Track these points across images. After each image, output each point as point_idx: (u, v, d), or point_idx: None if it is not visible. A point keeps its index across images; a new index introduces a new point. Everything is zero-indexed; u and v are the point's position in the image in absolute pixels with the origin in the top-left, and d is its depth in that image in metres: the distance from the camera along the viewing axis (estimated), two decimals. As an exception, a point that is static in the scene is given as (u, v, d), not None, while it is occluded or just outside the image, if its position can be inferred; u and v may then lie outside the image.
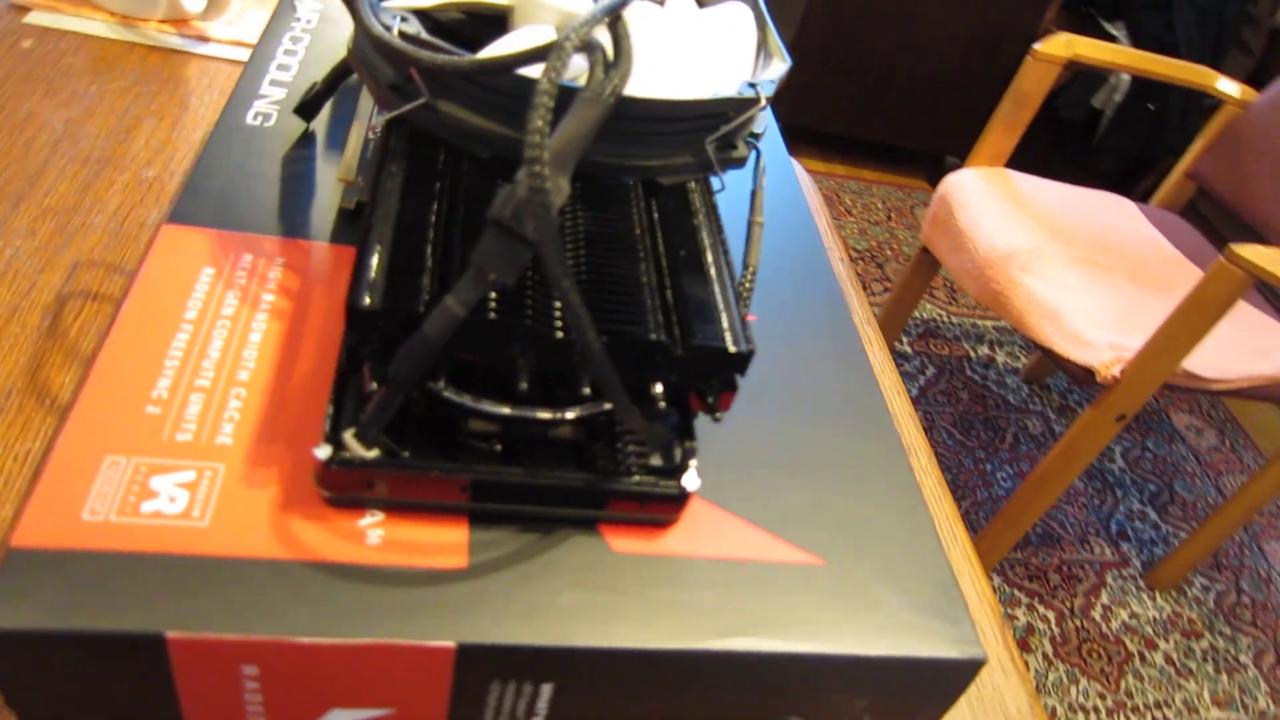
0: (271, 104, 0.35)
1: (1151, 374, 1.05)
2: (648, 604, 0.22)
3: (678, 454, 0.24)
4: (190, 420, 0.24)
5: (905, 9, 2.04)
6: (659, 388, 0.23)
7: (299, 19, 0.40)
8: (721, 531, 0.25)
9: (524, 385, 0.22)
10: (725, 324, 0.23)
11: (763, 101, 0.27)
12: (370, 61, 0.27)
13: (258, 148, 0.33)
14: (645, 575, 0.23)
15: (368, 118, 0.35)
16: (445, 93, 0.26)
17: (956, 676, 0.24)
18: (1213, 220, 2.20)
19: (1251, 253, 0.94)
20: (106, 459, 0.22)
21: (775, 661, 0.23)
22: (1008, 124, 1.35)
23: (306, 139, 0.34)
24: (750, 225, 0.28)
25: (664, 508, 0.24)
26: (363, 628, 0.21)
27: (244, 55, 0.52)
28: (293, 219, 0.30)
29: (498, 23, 0.31)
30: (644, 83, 0.28)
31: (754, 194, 0.28)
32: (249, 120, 0.34)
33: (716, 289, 0.24)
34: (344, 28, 0.41)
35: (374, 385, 0.22)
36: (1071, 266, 1.24)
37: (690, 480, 0.24)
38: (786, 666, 0.23)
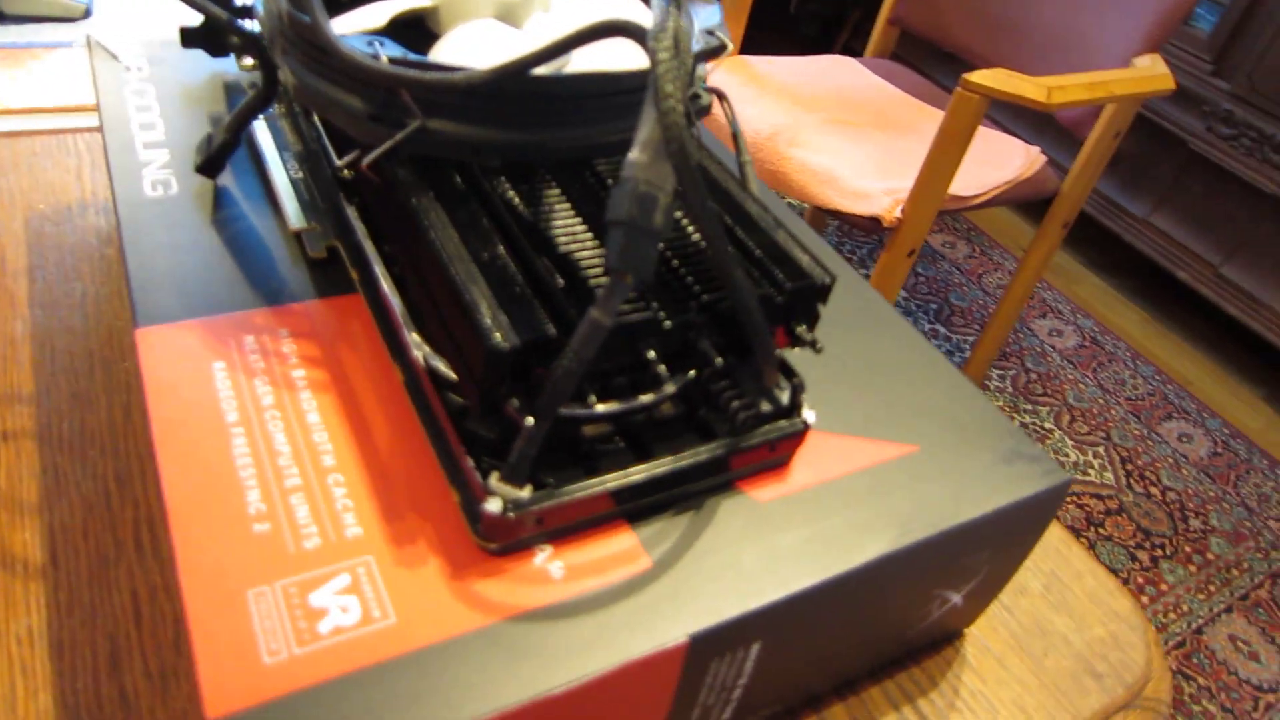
0: (162, 169, 0.31)
1: (927, 207, 1.17)
2: (814, 538, 0.24)
3: (784, 394, 0.25)
4: (307, 524, 0.22)
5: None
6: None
7: (128, 69, 0.35)
8: (830, 451, 0.26)
9: (665, 374, 0.22)
10: (804, 262, 0.24)
11: (730, 48, 0.27)
12: (333, 96, 0.25)
13: (178, 219, 0.29)
14: (796, 514, 0.24)
15: (280, 159, 0.32)
16: (437, 110, 0.24)
17: (1051, 502, 0.27)
18: (917, 60, 2.42)
19: (982, 77, 1.06)
20: (250, 594, 0.20)
21: (930, 546, 0.25)
22: (733, 14, 1.41)
23: (223, 198, 0.30)
24: (741, 165, 0.28)
25: (787, 446, 0.25)
26: (600, 657, 0.20)
27: (44, 123, 0.45)
28: (266, 285, 0.27)
29: (417, 28, 0.29)
30: (586, 59, 0.28)
31: (735, 136, 0.29)
32: (149, 193, 0.30)
33: (775, 232, 0.25)
34: (185, 71, 0.36)
35: (522, 422, 0.21)
36: (828, 131, 1.33)
37: (809, 414, 0.25)
38: (939, 547, 0.25)
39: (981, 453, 0.27)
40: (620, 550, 0.23)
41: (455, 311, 0.22)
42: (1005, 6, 1.34)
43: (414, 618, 0.20)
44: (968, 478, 0.26)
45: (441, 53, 0.27)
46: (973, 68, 1.47)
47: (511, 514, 0.21)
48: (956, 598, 0.28)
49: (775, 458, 0.25)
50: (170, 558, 0.24)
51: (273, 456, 0.23)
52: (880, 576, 0.24)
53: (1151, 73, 1.12)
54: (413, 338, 0.24)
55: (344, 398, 0.25)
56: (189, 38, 0.35)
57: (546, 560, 0.22)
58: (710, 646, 0.22)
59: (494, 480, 0.21)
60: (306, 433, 0.24)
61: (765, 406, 0.25)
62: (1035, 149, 1.36)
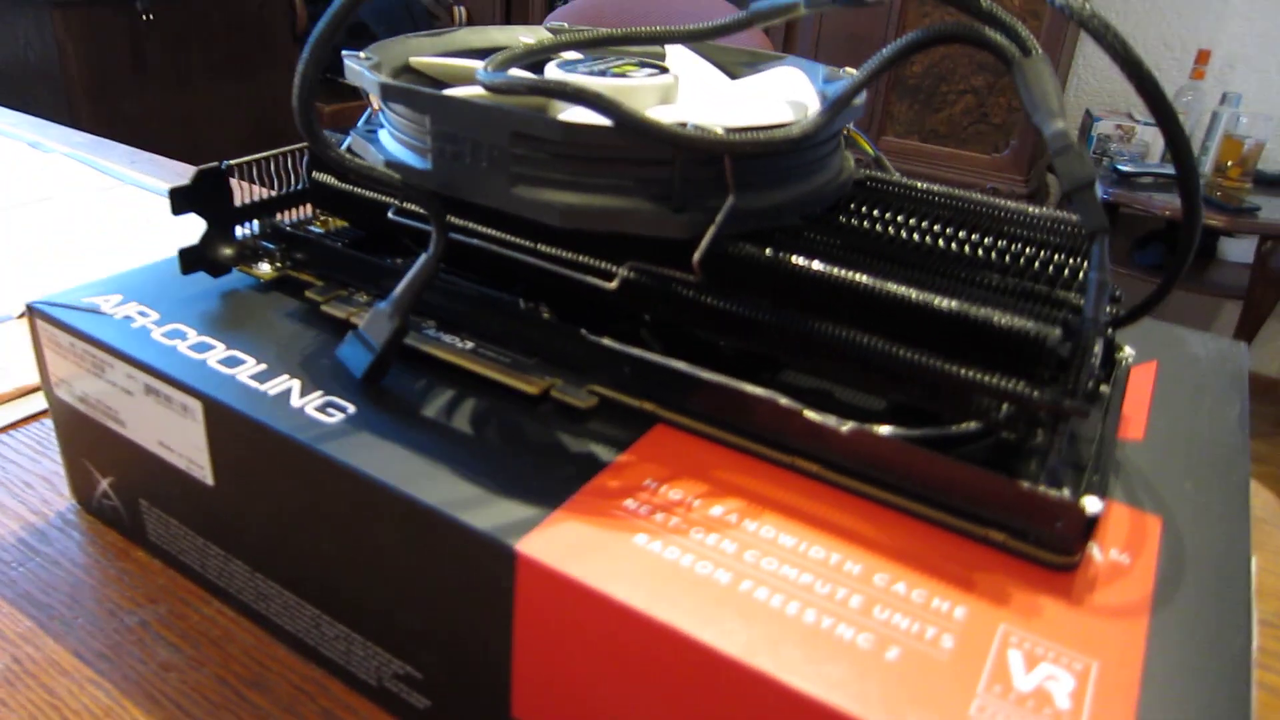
0: (315, 397, 0.24)
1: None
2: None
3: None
4: (921, 628, 0.18)
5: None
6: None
7: (128, 320, 0.27)
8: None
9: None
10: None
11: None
12: (616, 205, 0.22)
13: (395, 431, 0.23)
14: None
15: (434, 330, 0.26)
16: (748, 182, 0.22)
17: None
18: None
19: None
20: (972, 710, 0.17)
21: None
22: None
23: (410, 396, 0.25)
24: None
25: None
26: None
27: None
28: (564, 457, 0.23)
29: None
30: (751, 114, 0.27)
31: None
32: (329, 421, 0.23)
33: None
34: (195, 296, 0.29)
35: (1074, 414, 0.20)
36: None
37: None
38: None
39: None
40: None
41: (958, 333, 0.20)
42: None
43: (1107, 654, 0.18)
44: None
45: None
46: None
47: (1097, 511, 0.20)
48: None
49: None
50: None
51: (802, 590, 0.19)
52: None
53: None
54: (831, 423, 0.21)
55: (783, 510, 0.21)
56: (191, 259, 0.29)
57: (1103, 550, 0.21)
58: (1253, 561, 0.22)
59: (1063, 492, 0.20)
60: (798, 555, 0.20)
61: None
62: None
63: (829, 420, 0.22)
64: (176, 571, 0.29)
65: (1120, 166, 1.68)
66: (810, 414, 0.22)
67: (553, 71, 0.27)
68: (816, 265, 0.22)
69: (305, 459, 0.23)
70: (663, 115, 0.26)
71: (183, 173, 0.67)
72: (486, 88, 0.23)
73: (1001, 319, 0.20)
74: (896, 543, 0.21)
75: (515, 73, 0.26)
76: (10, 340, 0.41)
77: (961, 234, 0.24)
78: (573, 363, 0.25)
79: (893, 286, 0.21)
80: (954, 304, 0.21)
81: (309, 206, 0.32)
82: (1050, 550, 0.20)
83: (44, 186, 0.61)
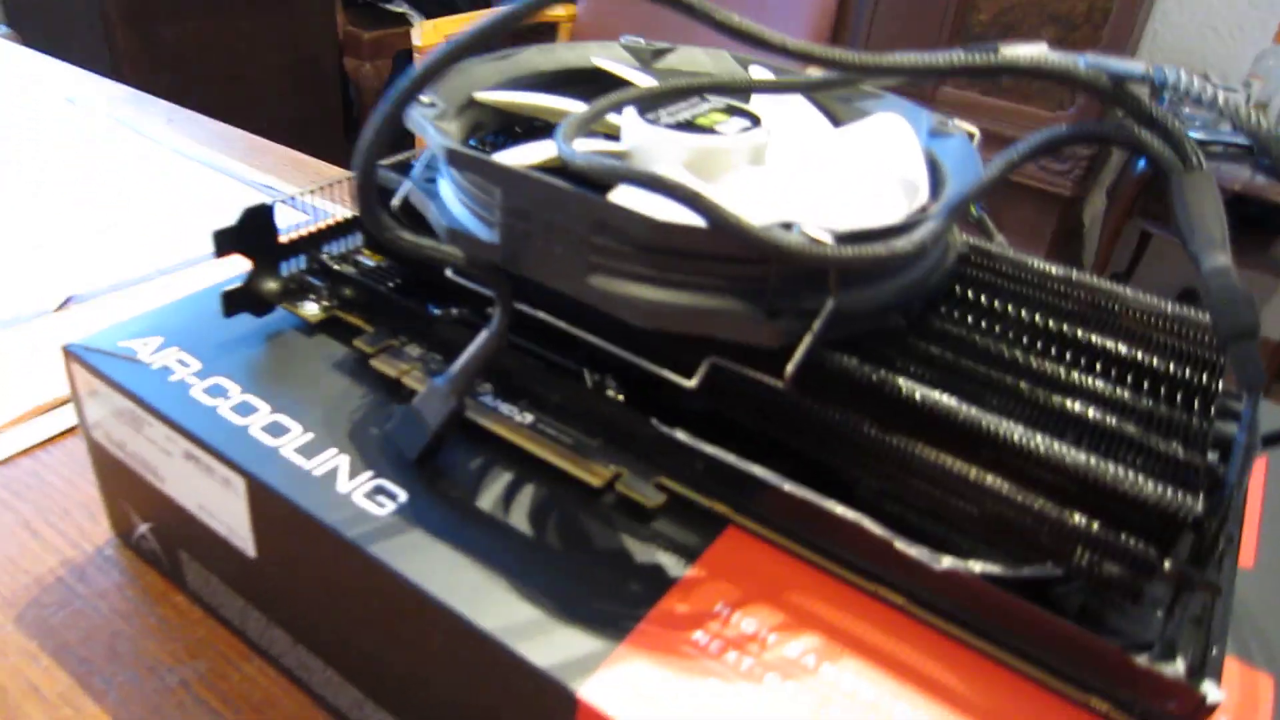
0: (363, 480, 0.23)
1: None
2: None
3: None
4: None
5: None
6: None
7: (167, 370, 0.26)
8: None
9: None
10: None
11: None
12: (708, 305, 0.20)
13: (449, 528, 0.21)
14: None
15: (506, 408, 0.25)
16: (850, 281, 0.20)
17: None
18: None
19: None
20: None
21: None
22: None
23: (466, 485, 0.23)
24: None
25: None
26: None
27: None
28: (631, 566, 0.21)
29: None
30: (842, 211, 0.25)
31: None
32: (377, 512, 0.22)
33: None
34: (234, 344, 0.27)
35: (1195, 582, 0.18)
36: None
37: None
38: None
39: None
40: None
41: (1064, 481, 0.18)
42: None
43: None
44: None
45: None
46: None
47: (1217, 701, 0.18)
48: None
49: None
50: None
51: (892, 764, 0.17)
52: None
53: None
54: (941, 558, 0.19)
55: (865, 652, 0.20)
56: (235, 303, 0.27)
57: (1221, 722, 0.19)
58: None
59: (1179, 670, 0.18)
60: (880, 715, 0.18)
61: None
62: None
63: (922, 554, 0.20)
64: (217, 622, 0.28)
65: (1191, 133, 1.60)
66: (901, 546, 0.20)
67: (631, 122, 0.25)
68: (922, 393, 0.20)
69: (352, 555, 0.21)
70: (754, 189, 0.24)
71: (221, 134, 0.65)
72: (568, 165, 0.20)
73: (1136, 484, 0.18)
74: (988, 701, 0.19)
75: (596, 146, 0.24)
76: (44, 339, 0.40)
77: (1079, 335, 0.22)
78: (640, 450, 0.23)
79: (1010, 426, 0.19)
80: (1084, 459, 0.18)
81: (359, 233, 0.30)
82: (1161, 728, 0.18)
83: (79, 152, 0.59)
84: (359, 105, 1.90)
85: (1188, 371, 0.21)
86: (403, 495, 0.22)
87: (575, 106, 0.26)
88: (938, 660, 0.20)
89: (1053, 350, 0.22)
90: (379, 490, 0.22)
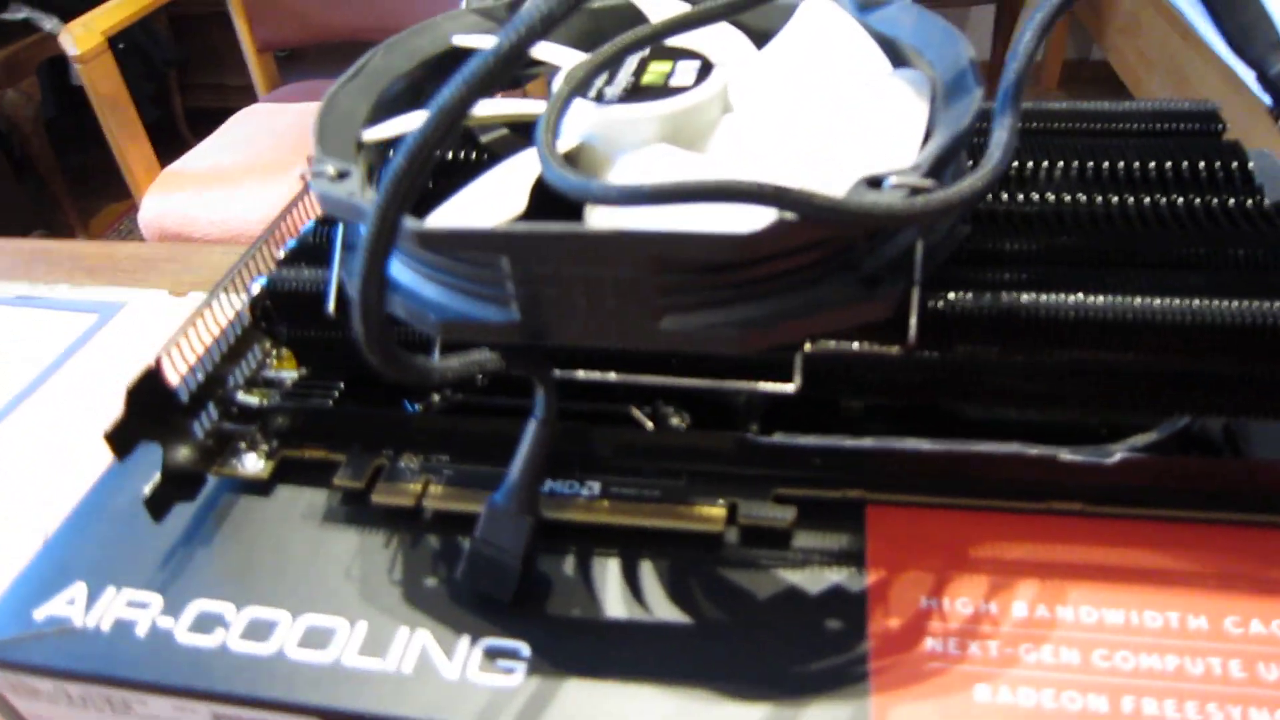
0: (408, 651, 0.18)
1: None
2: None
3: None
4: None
5: None
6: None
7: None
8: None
9: None
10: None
11: None
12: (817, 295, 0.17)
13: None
14: None
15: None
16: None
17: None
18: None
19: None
20: None
21: None
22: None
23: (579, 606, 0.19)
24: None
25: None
26: None
27: None
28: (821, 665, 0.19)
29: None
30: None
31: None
32: (501, 684, 0.18)
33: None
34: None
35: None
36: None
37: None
38: None
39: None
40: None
41: None
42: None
43: None
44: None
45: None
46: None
47: None
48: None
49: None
50: None
51: (1185, 682, 0.17)
52: None
53: None
54: None
55: (1077, 575, 0.18)
56: (161, 504, 0.21)
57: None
58: None
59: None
60: (1140, 633, 0.17)
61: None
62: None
63: (1089, 456, 0.19)
64: None
65: None
66: (1067, 455, 0.19)
67: (578, 110, 0.20)
68: (1053, 297, 0.18)
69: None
70: (755, 144, 0.20)
71: (21, 253, 0.50)
72: (601, 200, 0.16)
73: None
74: (1213, 566, 0.18)
75: (648, 165, 0.19)
76: None
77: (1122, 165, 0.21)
78: (738, 471, 0.20)
79: (1165, 302, 0.18)
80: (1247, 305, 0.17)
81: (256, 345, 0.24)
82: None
83: None
84: (18, 142, 1.56)
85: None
86: (524, 647, 0.18)
87: (480, 110, 0.21)
88: (1146, 547, 0.19)
89: (1115, 187, 0.20)
90: (494, 654, 0.18)
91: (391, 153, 0.20)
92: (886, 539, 0.20)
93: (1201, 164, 0.21)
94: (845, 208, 0.15)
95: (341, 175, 0.18)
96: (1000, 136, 0.17)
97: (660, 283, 0.16)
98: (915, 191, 0.16)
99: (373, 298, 0.15)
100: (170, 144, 1.63)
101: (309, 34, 1.26)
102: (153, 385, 0.20)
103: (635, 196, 0.15)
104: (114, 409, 0.20)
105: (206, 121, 1.54)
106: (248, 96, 1.30)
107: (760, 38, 0.23)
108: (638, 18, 0.25)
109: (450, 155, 0.24)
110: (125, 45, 1.49)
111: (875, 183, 0.16)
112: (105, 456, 0.21)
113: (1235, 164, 0.21)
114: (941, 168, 0.17)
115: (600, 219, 0.17)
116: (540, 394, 0.18)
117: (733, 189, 0.15)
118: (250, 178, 1.06)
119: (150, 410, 0.20)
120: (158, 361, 0.21)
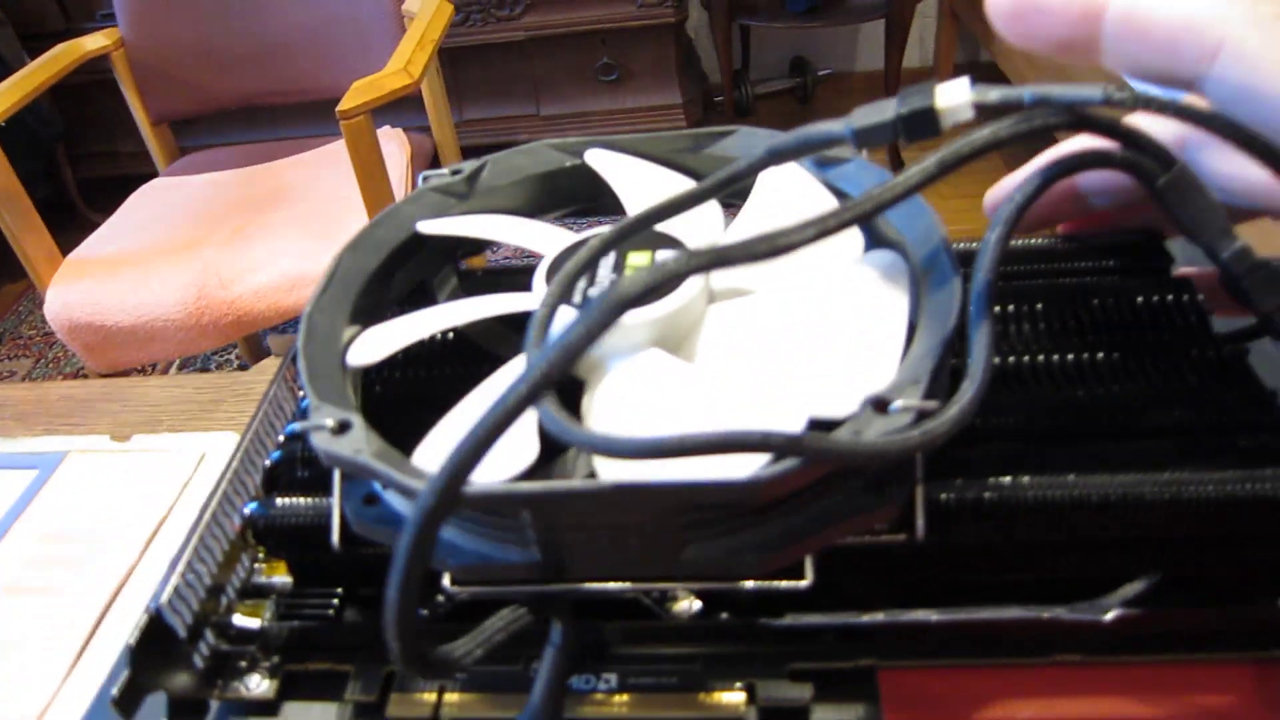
0: None
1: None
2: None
3: None
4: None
5: None
6: None
7: None
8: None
9: None
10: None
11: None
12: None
13: None
14: None
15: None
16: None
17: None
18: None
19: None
20: None
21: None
22: None
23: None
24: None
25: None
26: None
27: None
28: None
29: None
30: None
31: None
32: None
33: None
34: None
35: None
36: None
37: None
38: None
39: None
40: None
41: None
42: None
43: None
44: None
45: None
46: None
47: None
48: None
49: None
50: None
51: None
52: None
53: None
54: None
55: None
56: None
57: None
58: None
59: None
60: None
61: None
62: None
63: (1086, 612, 0.20)
64: None
65: None
66: (1067, 616, 0.20)
67: (561, 319, 0.20)
68: (1050, 481, 0.19)
69: None
70: (744, 338, 0.21)
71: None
72: (619, 455, 0.16)
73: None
74: (1213, 705, 0.20)
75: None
76: None
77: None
78: (751, 651, 0.21)
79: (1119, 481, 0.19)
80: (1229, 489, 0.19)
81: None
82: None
83: None
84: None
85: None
86: None
87: (464, 314, 0.21)
88: (1152, 690, 0.20)
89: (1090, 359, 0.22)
90: None
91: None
92: (900, 701, 0.20)
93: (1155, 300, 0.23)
94: (858, 449, 0.16)
95: (343, 427, 0.18)
96: (980, 353, 0.18)
97: (686, 521, 0.17)
98: (921, 415, 0.16)
99: (408, 629, 0.15)
100: (66, 220, 1.56)
101: (202, 105, 1.22)
102: (155, 633, 0.20)
103: (653, 452, 0.16)
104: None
105: (102, 192, 1.48)
106: (143, 162, 1.26)
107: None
108: (593, 179, 0.25)
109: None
110: (8, 123, 1.42)
111: (880, 405, 0.17)
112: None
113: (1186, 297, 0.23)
114: (937, 378, 0.17)
115: (613, 469, 0.18)
116: (558, 628, 0.18)
117: (745, 442, 0.15)
118: (158, 259, 1.02)
119: (153, 659, 0.20)
120: (159, 610, 0.20)
